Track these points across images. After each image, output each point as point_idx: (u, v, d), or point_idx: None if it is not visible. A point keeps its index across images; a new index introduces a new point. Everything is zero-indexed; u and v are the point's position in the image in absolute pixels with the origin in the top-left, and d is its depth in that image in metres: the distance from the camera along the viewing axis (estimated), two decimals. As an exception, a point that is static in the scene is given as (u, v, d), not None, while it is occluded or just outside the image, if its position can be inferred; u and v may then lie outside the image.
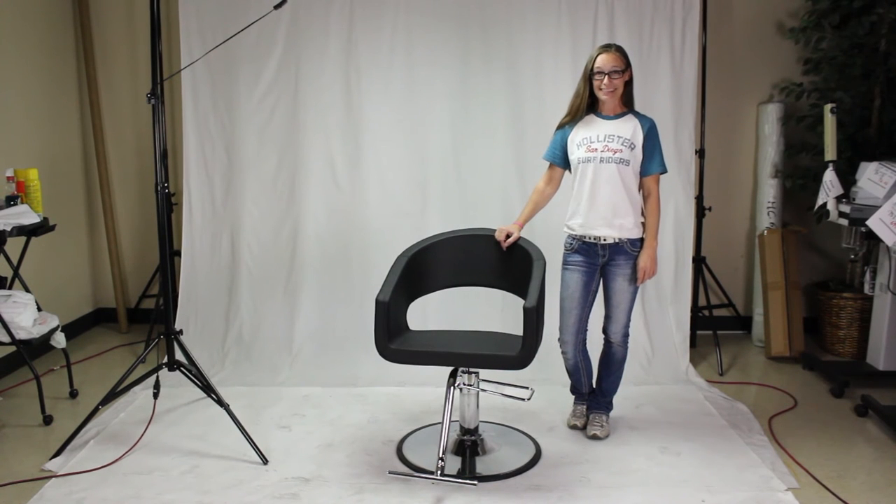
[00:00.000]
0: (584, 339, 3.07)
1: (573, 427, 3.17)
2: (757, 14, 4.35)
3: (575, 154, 2.94)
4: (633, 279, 2.96)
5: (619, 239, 2.92)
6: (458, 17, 3.89)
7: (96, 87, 4.44)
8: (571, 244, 3.00)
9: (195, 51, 3.90)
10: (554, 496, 2.61)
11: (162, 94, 3.32)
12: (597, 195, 2.89)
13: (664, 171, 2.94)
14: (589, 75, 2.87)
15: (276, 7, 3.08)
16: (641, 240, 2.95)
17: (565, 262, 3.02)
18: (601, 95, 2.87)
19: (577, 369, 3.11)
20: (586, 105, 2.93)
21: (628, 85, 2.90)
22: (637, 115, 2.93)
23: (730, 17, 4.35)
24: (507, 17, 3.87)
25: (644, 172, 2.92)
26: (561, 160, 3.01)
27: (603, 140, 2.88)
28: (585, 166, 2.91)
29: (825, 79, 4.16)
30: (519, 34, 3.88)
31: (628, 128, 2.89)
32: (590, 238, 2.94)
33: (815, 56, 4.17)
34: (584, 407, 3.21)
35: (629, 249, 2.93)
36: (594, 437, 3.07)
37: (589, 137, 2.91)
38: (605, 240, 2.93)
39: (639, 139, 2.88)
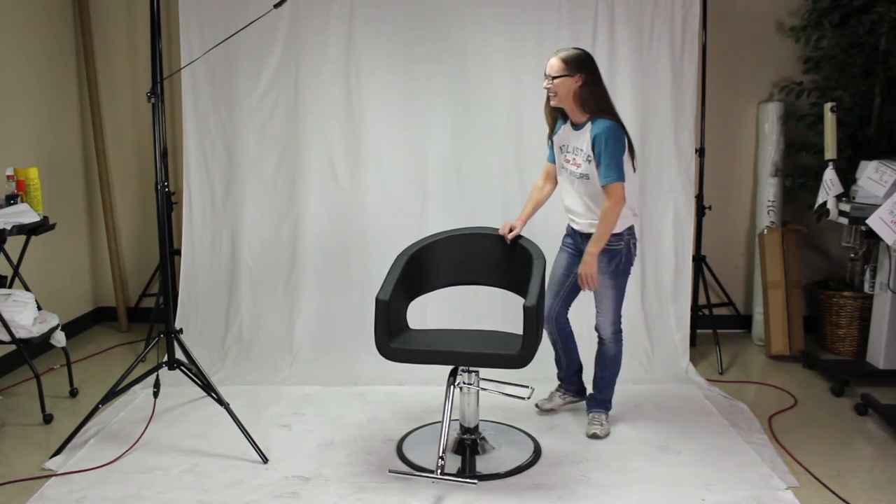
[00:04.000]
0: (565, 321, 3.15)
1: (540, 409, 3.28)
2: (757, 12, 4.35)
3: (557, 159, 3.04)
4: (613, 274, 2.96)
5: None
6: (458, 17, 3.88)
7: (96, 87, 4.44)
8: (567, 227, 3.10)
9: (195, 49, 3.89)
10: (554, 495, 2.61)
11: (162, 93, 3.33)
12: (571, 202, 2.99)
13: (615, 180, 2.77)
14: None
15: (276, 6, 3.08)
16: (618, 234, 2.91)
17: (561, 243, 3.12)
18: (551, 100, 2.91)
19: (555, 347, 3.20)
20: (558, 111, 2.95)
21: (583, 90, 2.82)
22: (594, 121, 2.84)
23: (730, 15, 4.35)
24: (507, 17, 3.87)
25: (600, 181, 2.84)
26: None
27: (571, 152, 2.94)
28: (561, 172, 3.02)
29: (825, 77, 4.16)
30: (519, 33, 3.87)
31: (585, 139, 2.86)
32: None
33: (816, 55, 4.17)
34: (561, 394, 3.29)
35: (606, 244, 2.89)
36: (594, 436, 3.07)
37: (563, 147, 2.99)
38: (584, 230, 2.98)
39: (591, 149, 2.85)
